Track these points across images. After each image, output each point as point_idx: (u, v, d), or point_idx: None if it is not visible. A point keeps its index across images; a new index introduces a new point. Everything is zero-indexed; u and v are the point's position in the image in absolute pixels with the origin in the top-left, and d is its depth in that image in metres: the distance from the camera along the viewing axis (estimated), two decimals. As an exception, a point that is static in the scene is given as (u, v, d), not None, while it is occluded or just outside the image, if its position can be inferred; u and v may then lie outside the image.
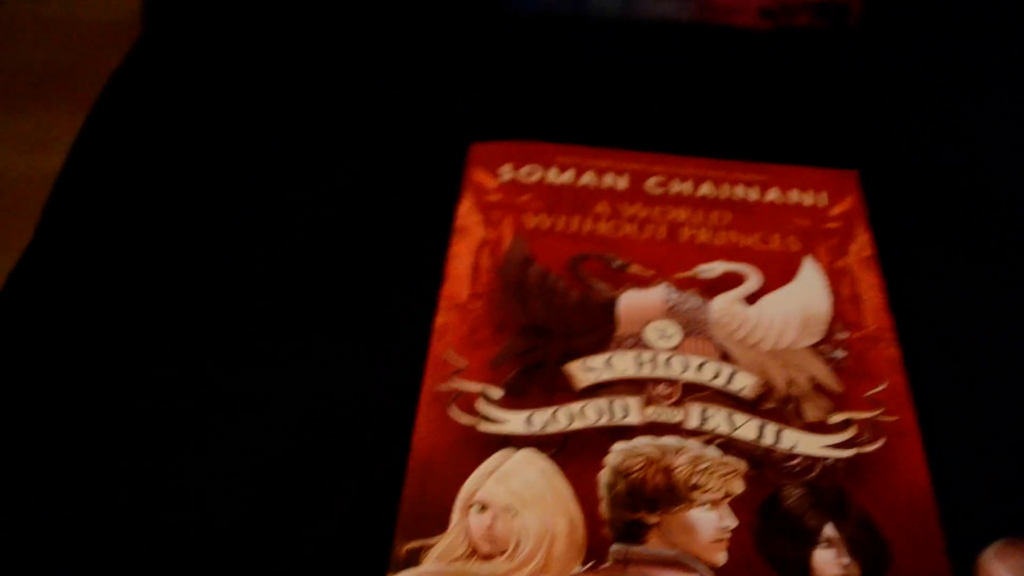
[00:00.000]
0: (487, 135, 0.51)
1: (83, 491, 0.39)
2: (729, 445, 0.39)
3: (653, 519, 0.37)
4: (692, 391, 0.41)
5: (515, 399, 0.41)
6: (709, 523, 0.37)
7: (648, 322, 0.44)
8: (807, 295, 0.45)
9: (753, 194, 0.49)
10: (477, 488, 0.38)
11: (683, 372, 0.42)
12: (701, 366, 0.42)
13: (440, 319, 0.43)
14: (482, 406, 0.40)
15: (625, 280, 0.45)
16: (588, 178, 0.50)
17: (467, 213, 0.48)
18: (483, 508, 0.37)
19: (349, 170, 0.52)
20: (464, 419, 0.40)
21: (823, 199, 0.49)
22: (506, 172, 0.50)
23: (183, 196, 0.51)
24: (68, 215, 0.50)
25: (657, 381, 0.41)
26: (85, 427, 0.41)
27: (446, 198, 0.49)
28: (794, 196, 0.49)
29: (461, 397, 0.41)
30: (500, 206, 0.48)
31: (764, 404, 0.41)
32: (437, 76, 0.57)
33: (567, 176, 0.50)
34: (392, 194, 0.50)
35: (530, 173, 0.50)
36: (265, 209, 0.50)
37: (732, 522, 0.37)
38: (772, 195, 0.49)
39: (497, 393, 0.41)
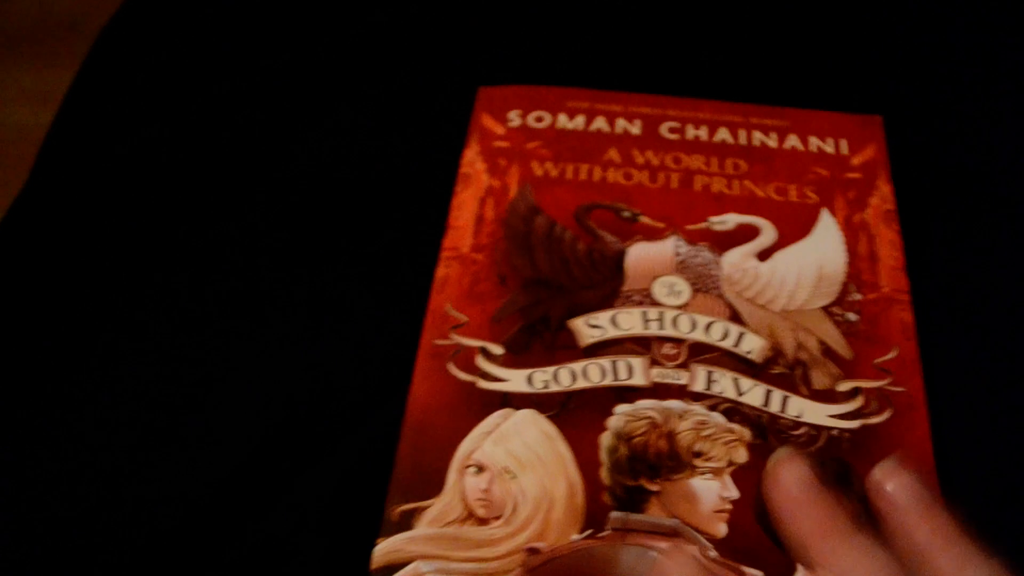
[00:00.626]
0: (496, 78, 0.49)
1: (72, 444, 0.39)
2: (734, 411, 0.38)
3: (654, 487, 0.36)
4: (699, 352, 0.40)
5: (516, 356, 0.39)
6: (711, 493, 0.36)
7: (657, 277, 0.42)
8: (822, 252, 0.43)
9: (771, 141, 0.47)
10: (474, 449, 0.37)
11: (691, 331, 0.40)
12: (709, 326, 0.41)
13: (441, 271, 0.42)
14: (482, 363, 0.39)
15: (635, 231, 0.44)
16: (599, 123, 0.48)
17: (472, 160, 0.46)
18: (480, 470, 0.36)
19: (353, 113, 0.50)
20: (463, 376, 0.39)
21: (844, 146, 0.47)
22: (514, 118, 0.48)
23: (177, 148, 0.49)
24: (62, 163, 0.49)
25: (663, 340, 0.40)
26: (73, 379, 0.41)
27: (452, 144, 0.47)
28: (814, 143, 0.47)
29: (460, 353, 0.39)
30: (507, 153, 0.46)
31: (772, 368, 0.39)
32: (445, 16, 0.54)
33: (577, 122, 0.48)
34: (396, 139, 0.49)
35: (539, 119, 0.48)
36: (266, 155, 0.48)
37: (734, 493, 0.36)
38: (791, 142, 0.47)
39: (498, 349, 0.40)
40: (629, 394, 0.38)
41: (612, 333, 0.40)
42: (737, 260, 0.43)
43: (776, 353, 0.40)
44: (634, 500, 0.36)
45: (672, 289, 0.42)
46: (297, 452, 0.38)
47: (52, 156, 0.49)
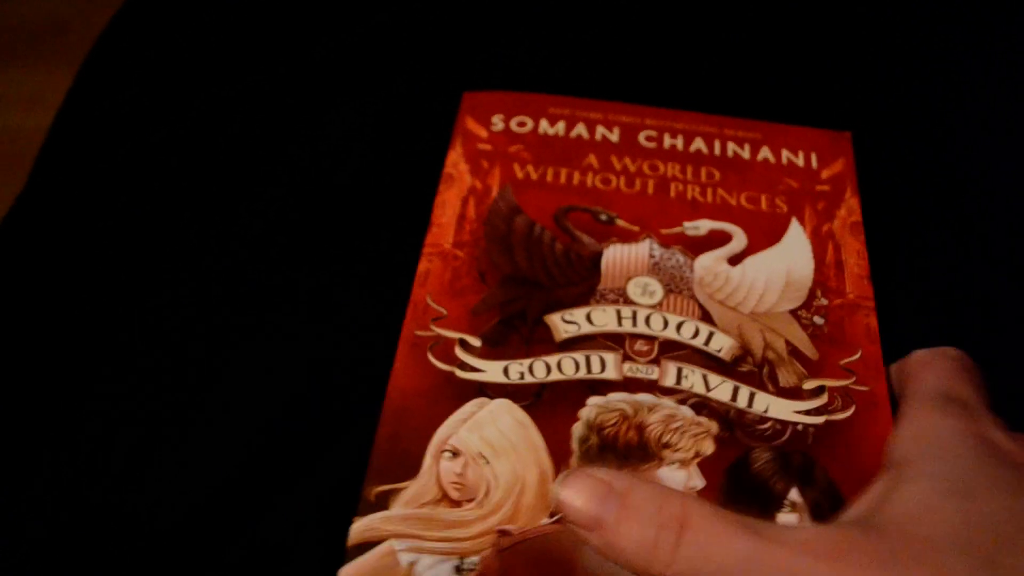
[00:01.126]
0: (481, 84, 0.51)
1: (74, 439, 0.40)
2: (703, 405, 0.39)
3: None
4: (670, 349, 0.41)
5: (493, 348, 0.41)
6: (677, 482, 0.37)
7: (631, 277, 0.44)
8: (791, 259, 0.45)
9: (745, 152, 0.49)
10: (450, 435, 0.38)
11: (662, 330, 0.42)
12: (680, 325, 0.42)
13: (423, 266, 0.43)
14: (460, 353, 0.40)
15: (611, 233, 0.45)
16: (579, 130, 0.49)
17: (456, 162, 0.47)
18: (455, 455, 0.38)
19: (344, 117, 0.51)
20: (442, 365, 0.40)
21: (815, 160, 0.49)
22: (498, 122, 0.49)
23: (170, 151, 0.50)
24: (60, 166, 0.50)
25: (636, 337, 0.42)
26: (78, 372, 0.42)
27: (438, 146, 0.48)
28: (786, 156, 0.49)
29: (440, 344, 0.41)
30: (489, 156, 0.48)
31: (740, 366, 0.41)
32: (433, 24, 0.56)
33: (558, 127, 0.49)
34: (384, 141, 0.50)
35: (522, 123, 0.49)
36: (258, 156, 0.49)
37: (700, 482, 0.37)
38: (764, 154, 0.49)
39: (476, 341, 0.41)
40: (601, 387, 0.40)
41: (587, 329, 0.42)
42: (709, 264, 0.44)
43: (744, 352, 0.41)
44: None
45: (646, 289, 0.43)
46: (285, 435, 0.39)
47: (51, 158, 0.50)
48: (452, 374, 0.40)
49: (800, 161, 0.49)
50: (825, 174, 0.48)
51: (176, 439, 0.39)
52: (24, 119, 0.57)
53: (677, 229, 0.45)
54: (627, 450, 0.38)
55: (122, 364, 0.42)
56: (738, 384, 0.40)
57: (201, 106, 0.52)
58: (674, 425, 0.38)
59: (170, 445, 0.39)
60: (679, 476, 0.37)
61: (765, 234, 0.46)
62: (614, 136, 0.49)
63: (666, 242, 0.45)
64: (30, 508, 0.38)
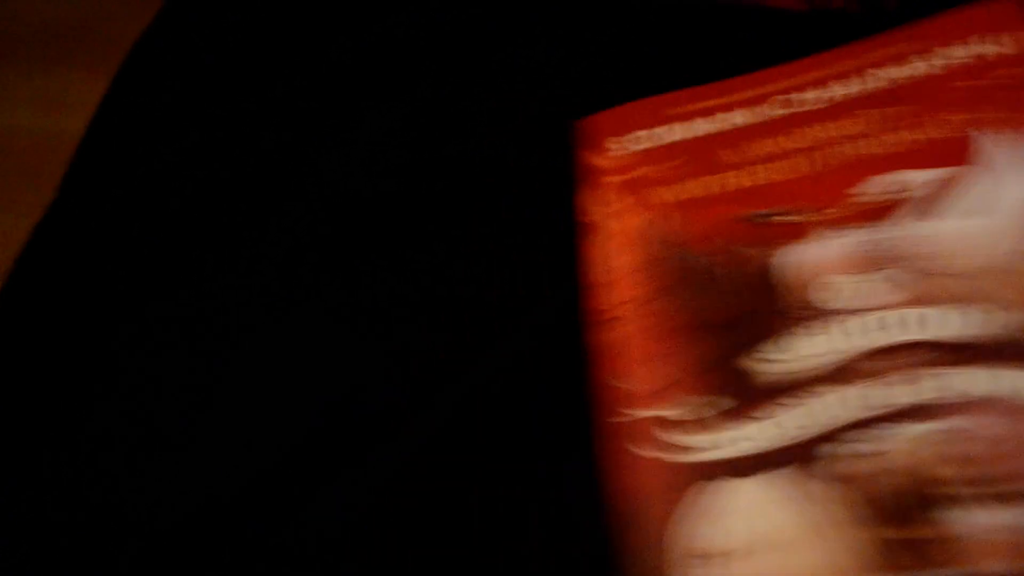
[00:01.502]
0: (588, 110, 0.45)
1: (122, 427, 0.40)
2: (970, 410, 0.33)
3: (924, 532, 0.31)
4: (905, 355, 0.34)
5: (701, 417, 0.35)
6: (998, 520, 0.30)
7: (816, 279, 0.37)
8: (998, 182, 0.37)
9: (900, 75, 0.41)
10: (691, 535, 0.33)
11: (885, 335, 0.35)
12: (899, 321, 0.35)
13: (592, 337, 0.38)
14: (667, 433, 0.35)
15: (775, 235, 0.39)
16: (702, 125, 0.43)
17: (588, 205, 0.42)
18: (705, 558, 0.33)
19: (378, 116, 0.48)
20: (651, 452, 0.35)
21: (989, 43, 0.40)
22: (616, 145, 0.43)
23: (210, 165, 0.49)
24: (91, 174, 0.50)
25: (855, 356, 0.35)
26: (111, 375, 0.42)
27: (561, 188, 0.43)
28: (949, 56, 0.41)
29: (640, 427, 0.36)
30: (619, 188, 0.42)
31: (997, 344, 0.33)
32: (538, 58, 0.50)
33: (680, 130, 0.43)
34: (502, 188, 0.45)
35: (640, 139, 0.43)
36: (288, 170, 0.48)
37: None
38: (921, 68, 0.41)
39: (680, 414, 0.36)
40: (842, 432, 0.34)
41: (791, 364, 0.35)
42: (901, 231, 0.37)
43: (989, 325, 0.34)
44: (906, 554, 0.31)
45: (838, 290, 0.37)
46: (328, 465, 0.38)
47: (82, 165, 0.50)
48: (664, 460, 0.35)
49: (974, 52, 0.40)
50: (1007, 51, 0.40)
51: (182, 447, 0.40)
52: (45, 121, 0.58)
53: (844, 205, 0.39)
54: (908, 499, 0.31)
55: (136, 374, 0.42)
56: (1005, 369, 0.33)
57: (244, 118, 0.51)
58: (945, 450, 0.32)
59: (173, 446, 0.39)
60: (1002, 513, 0.31)
61: (956, 164, 0.38)
62: (742, 119, 0.43)
63: (843, 223, 0.38)
64: (30, 508, 0.38)
